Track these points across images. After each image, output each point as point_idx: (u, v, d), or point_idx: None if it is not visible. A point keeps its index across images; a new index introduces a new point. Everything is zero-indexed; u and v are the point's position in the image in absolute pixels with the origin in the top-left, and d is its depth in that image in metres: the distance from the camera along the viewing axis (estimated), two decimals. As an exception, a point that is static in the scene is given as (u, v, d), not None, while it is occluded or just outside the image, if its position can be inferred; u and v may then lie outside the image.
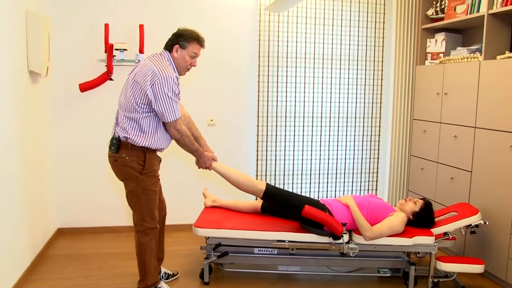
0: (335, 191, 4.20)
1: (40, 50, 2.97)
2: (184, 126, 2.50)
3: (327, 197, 4.18)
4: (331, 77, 4.03)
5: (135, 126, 2.42)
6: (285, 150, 4.03)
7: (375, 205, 2.89)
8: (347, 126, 4.13)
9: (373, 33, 4.05)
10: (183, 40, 2.46)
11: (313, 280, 2.99)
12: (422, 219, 2.89)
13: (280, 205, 2.89)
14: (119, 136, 2.43)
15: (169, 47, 2.49)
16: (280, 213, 3.04)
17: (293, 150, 4.04)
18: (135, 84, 2.38)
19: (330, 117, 4.08)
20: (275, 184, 4.04)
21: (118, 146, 2.43)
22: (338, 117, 4.10)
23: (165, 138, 2.53)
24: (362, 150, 4.19)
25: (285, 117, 3.98)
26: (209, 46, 3.82)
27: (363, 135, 4.17)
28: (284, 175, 4.06)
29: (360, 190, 4.25)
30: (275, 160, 4.02)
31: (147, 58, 2.45)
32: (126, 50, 3.58)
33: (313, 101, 4.02)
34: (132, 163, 2.43)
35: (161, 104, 2.35)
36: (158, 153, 2.62)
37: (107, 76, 3.59)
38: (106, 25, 3.50)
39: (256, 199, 3.93)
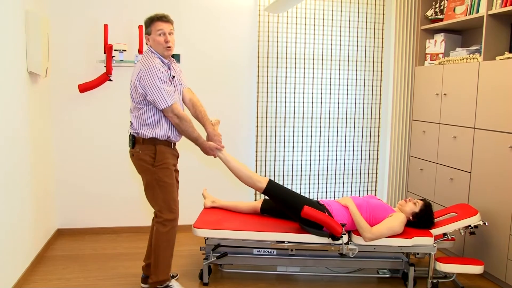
0: (335, 191, 4.20)
1: (40, 51, 2.97)
2: (182, 112, 2.54)
3: (326, 197, 4.18)
4: (331, 78, 4.03)
5: (142, 122, 2.55)
6: (284, 151, 4.03)
7: (375, 206, 2.89)
8: (346, 127, 4.13)
9: (373, 34, 4.05)
10: (145, 28, 2.56)
11: (312, 281, 2.99)
12: (422, 220, 2.89)
13: (278, 204, 2.89)
14: (132, 132, 2.59)
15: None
16: (280, 214, 3.04)
17: (293, 151, 4.05)
18: (131, 86, 2.53)
19: (329, 118, 4.08)
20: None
21: (133, 142, 2.58)
22: (338, 118, 4.10)
23: (171, 126, 2.58)
24: (362, 150, 4.19)
25: (285, 117, 3.99)
26: (209, 46, 3.83)
27: (362, 136, 4.17)
28: (283, 175, 4.06)
29: (359, 190, 4.25)
30: (275, 160, 4.02)
31: (138, 61, 2.56)
32: (125, 51, 3.59)
33: (312, 102, 4.02)
34: (145, 157, 2.54)
35: (151, 94, 2.44)
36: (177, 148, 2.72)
37: (106, 76, 3.59)
38: (106, 26, 3.50)
39: (256, 200, 3.94)
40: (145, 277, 2.83)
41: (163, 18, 2.53)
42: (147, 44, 2.58)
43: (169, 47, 2.53)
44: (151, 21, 2.53)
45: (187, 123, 2.54)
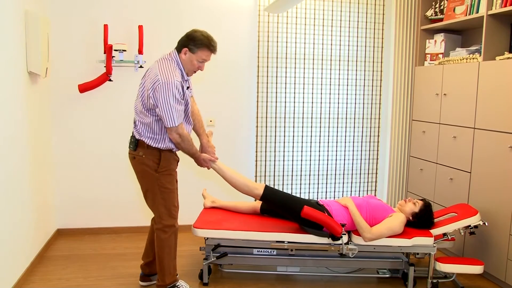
0: (334, 191, 4.20)
1: (40, 51, 2.97)
2: (185, 131, 2.49)
3: (326, 197, 4.18)
4: (330, 78, 4.03)
5: (148, 130, 2.49)
6: (284, 151, 4.03)
7: (375, 206, 2.89)
8: (346, 127, 4.13)
9: (373, 34, 4.05)
10: (193, 44, 2.42)
11: (312, 281, 2.99)
12: (422, 220, 2.89)
13: (278, 208, 2.89)
14: (136, 136, 2.53)
15: (179, 47, 2.48)
16: (280, 214, 3.04)
17: (292, 151, 4.05)
18: (144, 89, 2.44)
19: (329, 118, 4.08)
20: (274, 185, 4.04)
21: (136, 144, 2.52)
22: (337, 118, 4.10)
23: None
24: (361, 150, 4.19)
25: (284, 118, 3.99)
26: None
27: (362, 136, 4.17)
28: (283, 176, 4.06)
29: (359, 190, 4.25)
30: (274, 161, 4.02)
31: (157, 61, 2.46)
32: (125, 51, 3.59)
33: (312, 102, 4.02)
34: (148, 161, 2.50)
35: (161, 109, 2.36)
36: (178, 153, 2.67)
37: (106, 77, 3.59)
38: (106, 26, 3.50)
39: (256, 200, 3.94)
40: (143, 275, 2.83)
41: (214, 50, 2.48)
42: (183, 54, 2.44)
43: (195, 72, 2.52)
44: (205, 46, 2.43)
45: (188, 142, 2.51)
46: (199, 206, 3.69)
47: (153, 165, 2.50)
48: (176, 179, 2.73)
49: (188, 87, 2.55)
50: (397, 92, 4.06)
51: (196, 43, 2.42)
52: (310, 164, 4.11)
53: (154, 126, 2.47)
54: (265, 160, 4.00)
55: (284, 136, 4.01)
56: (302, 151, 4.07)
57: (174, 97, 2.35)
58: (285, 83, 3.94)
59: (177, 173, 2.76)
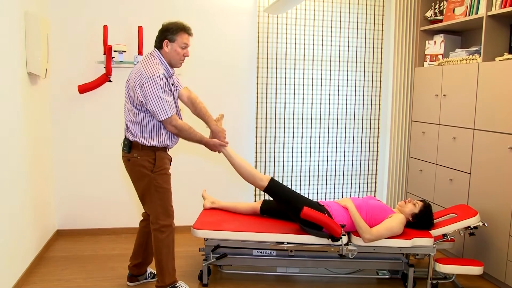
0: (334, 192, 4.20)
1: (39, 52, 2.97)
2: (180, 121, 2.51)
3: (326, 198, 4.18)
4: (330, 79, 4.03)
5: (141, 129, 2.49)
6: (283, 152, 4.03)
7: (374, 207, 2.89)
8: (346, 128, 4.13)
9: (372, 35, 4.05)
10: (170, 33, 2.48)
11: (311, 282, 2.99)
12: (421, 221, 2.89)
13: (279, 202, 2.89)
14: (129, 138, 2.52)
15: (158, 44, 2.53)
16: (279, 214, 3.05)
17: (292, 152, 4.05)
18: (131, 89, 2.46)
19: (329, 119, 4.08)
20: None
21: (129, 146, 2.52)
22: (337, 119, 4.10)
23: (171, 135, 2.57)
24: (361, 151, 4.19)
25: (284, 118, 3.99)
26: (208, 47, 3.83)
27: (362, 137, 4.17)
28: (283, 176, 4.06)
29: (359, 191, 4.25)
30: (274, 161, 4.02)
31: (139, 62, 2.51)
32: (125, 51, 3.59)
33: (312, 103, 4.02)
34: (144, 162, 2.50)
35: (151, 104, 2.39)
36: (169, 152, 2.68)
37: (106, 77, 3.59)
38: (105, 27, 3.50)
39: (255, 201, 3.94)
40: (131, 275, 2.84)
41: (190, 31, 2.52)
42: (165, 48, 2.48)
43: (183, 60, 2.55)
44: (179, 30, 2.48)
45: (186, 132, 2.52)
46: (199, 207, 3.68)
47: (149, 166, 2.50)
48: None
49: (173, 84, 2.57)
50: (397, 93, 4.06)
51: (172, 31, 2.48)
52: (309, 165, 4.11)
53: (147, 123, 2.47)
54: (265, 161, 4.00)
55: (284, 137, 4.01)
56: (301, 152, 4.07)
57: (162, 89, 2.40)
58: (285, 84, 3.95)
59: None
